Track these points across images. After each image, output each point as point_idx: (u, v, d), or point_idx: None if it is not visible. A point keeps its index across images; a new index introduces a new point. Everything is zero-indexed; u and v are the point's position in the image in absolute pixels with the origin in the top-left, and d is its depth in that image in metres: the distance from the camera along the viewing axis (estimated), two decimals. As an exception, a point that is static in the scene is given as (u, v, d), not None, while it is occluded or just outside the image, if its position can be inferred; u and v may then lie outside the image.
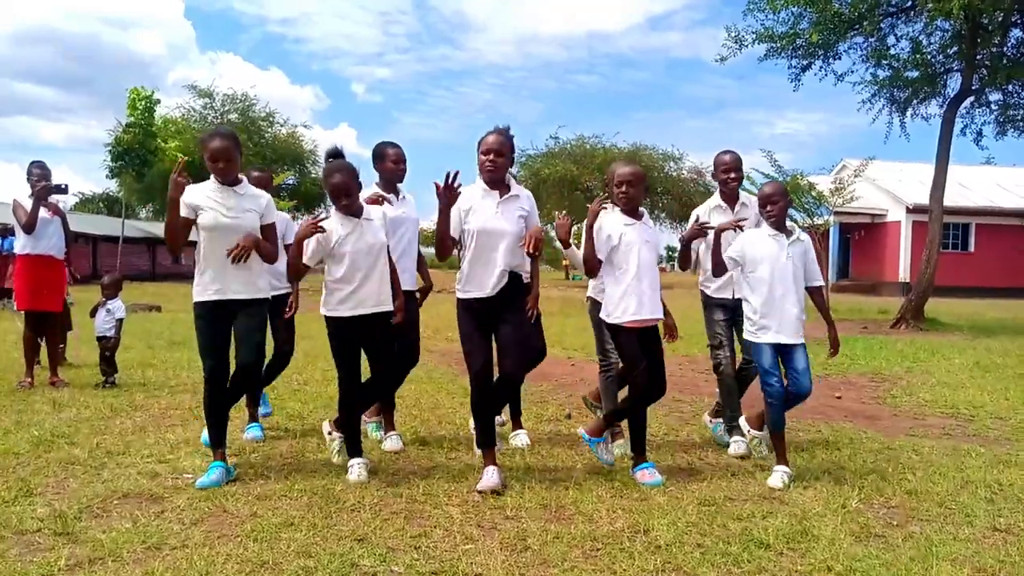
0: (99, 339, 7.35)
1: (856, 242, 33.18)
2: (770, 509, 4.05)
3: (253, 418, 5.56)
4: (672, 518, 3.84)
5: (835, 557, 3.39)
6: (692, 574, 3.23)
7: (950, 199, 17.11)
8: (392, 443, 5.18)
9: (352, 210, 4.51)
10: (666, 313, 4.82)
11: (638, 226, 4.64)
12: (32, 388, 6.97)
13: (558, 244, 4.87)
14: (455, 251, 4.67)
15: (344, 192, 4.46)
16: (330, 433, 4.83)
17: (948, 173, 16.03)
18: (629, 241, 4.58)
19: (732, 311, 5.30)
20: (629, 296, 4.56)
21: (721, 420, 5.57)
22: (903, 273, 29.73)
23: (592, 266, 4.64)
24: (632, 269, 4.56)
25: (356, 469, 4.46)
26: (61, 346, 7.93)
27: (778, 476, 4.52)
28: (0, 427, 5.47)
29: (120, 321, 7.43)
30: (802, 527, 3.75)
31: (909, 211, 29.47)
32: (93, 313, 7.44)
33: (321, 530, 3.61)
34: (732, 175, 5.39)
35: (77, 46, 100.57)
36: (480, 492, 4.19)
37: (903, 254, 30.11)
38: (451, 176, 4.32)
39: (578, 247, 4.88)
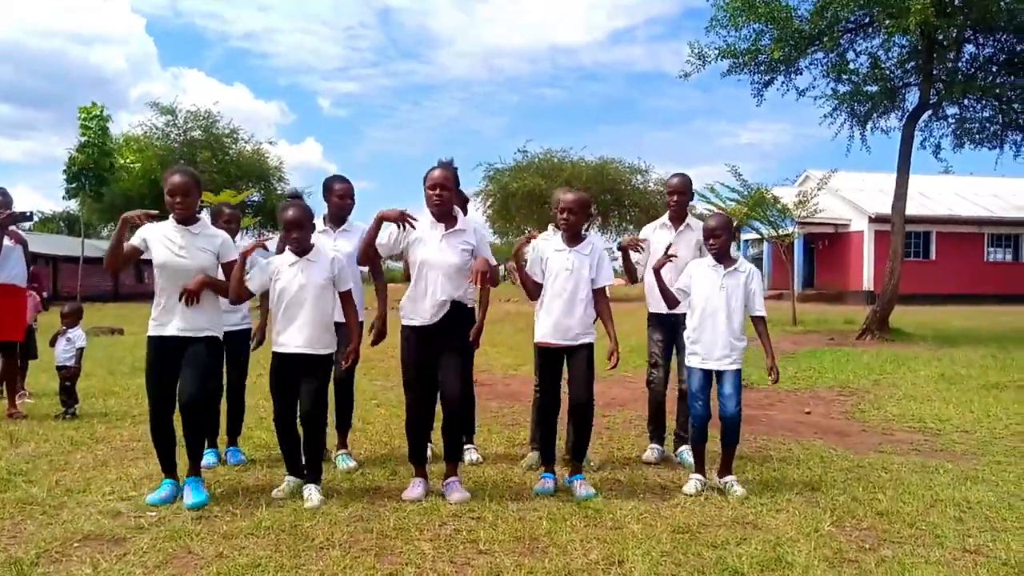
0: (59, 368, 7.16)
1: (820, 252, 33.63)
2: (744, 535, 4.04)
3: (232, 442, 5.58)
4: (646, 548, 3.81)
5: (810, 586, 3.38)
6: (668, 608, 3.20)
7: (911, 208, 17.36)
8: (344, 463, 5.32)
9: (302, 247, 4.64)
10: (611, 338, 4.91)
11: (567, 253, 4.84)
12: (-11, 421, 6.76)
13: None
14: (380, 263, 5.18)
15: (296, 226, 4.61)
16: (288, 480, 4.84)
17: (909, 183, 16.32)
18: (552, 266, 4.84)
19: (671, 329, 5.54)
20: (542, 318, 4.86)
21: (684, 448, 5.63)
22: (867, 282, 30.18)
23: (530, 290, 4.94)
24: (548, 293, 4.84)
25: (283, 486, 4.67)
26: (20, 390, 7.70)
27: (692, 484, 4.84)
28: (-46, 465, 5.29)
29: (81, 350, 7.25)
30: (776, 553, 3.75)
31: (871, 220, 29.95)
32: (53, 342, 7.26)
33: (289, 571, 3.52)
34: (674, 197, 5.71)
35: (36, 62, 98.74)
36: (404, 499, 4.55)
37: (867, 263, 30.59)
38: (411, 218, 4.66)
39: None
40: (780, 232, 20.49)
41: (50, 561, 3.64)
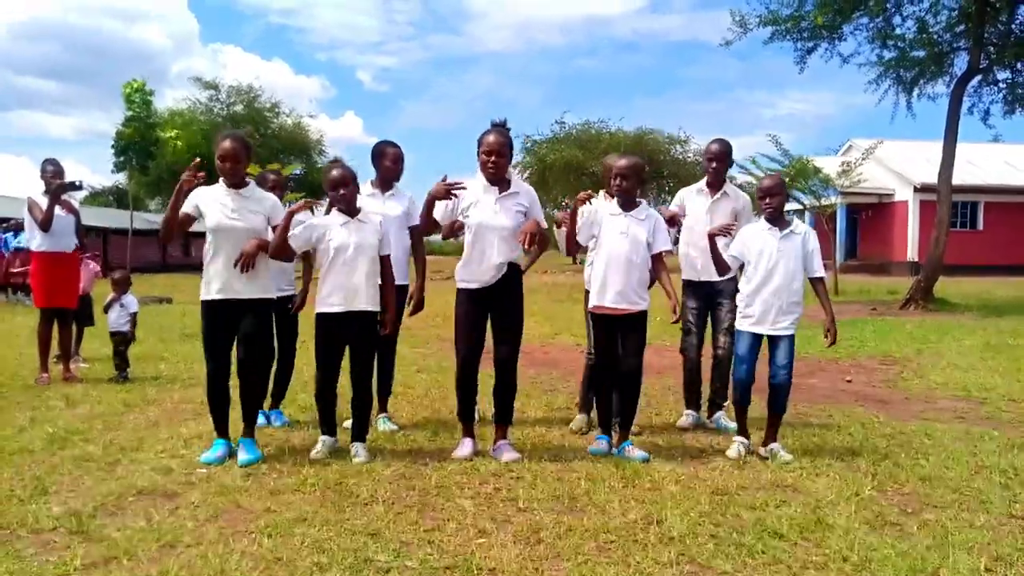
0: (113, 334, 7.37)
1: (864, 222, 33.00)
2: (783, 498, 4.04)
3: (275, 405, 5.67)
4: (685, 508, 3.84)
5: (850, 546, 3.38)
6: (706, 565, 3.23)
7: (958, 177, 16.95)
8: (384, 425, 5.45)
9: (350, 204, 4.69)
10: (671, 295, 4.86)
11: (622, 217, 4.79)
12: (49, 384, 7.00)
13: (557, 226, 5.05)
14: (440, 235, 5.13)
15: (343, 183, 4.64)
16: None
17: (956, 151, 15.92)
18: (606, 231, 4.80)
19: (706, 297, 5.59)
20: (599, 285, 4.81)
21: (720, 413, 5.69)
22: (911, 253, 29.58)
23: (570, 246, 4.96)
24: (602, 259, 4.80)
25: (319, 446, 4.75)
26: (75, 355, 7.97)
27: (735, 448, 4.84)
28: (15, 424, 5.50)
29: (134, 315, 7.46)
30: (816, 516, 3.75)
31: (917, 190, 29.26)
32: (107, 309, 7.46)
33: (334, 525, 3.62)
34: (713, 164, 5.65)
35: (80, 39, 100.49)
36: (455, 458, 4.64)
37: (911, 234, 29.93)
38: (457, 184, 4.70)
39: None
40: (822, 202, 20.15)
41: (107, 514, 3.79)
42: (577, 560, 3.26)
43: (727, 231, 5.03)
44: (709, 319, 5.71)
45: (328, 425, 4.83)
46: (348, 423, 5.19)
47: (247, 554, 3.30)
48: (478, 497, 4.03)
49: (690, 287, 5.67)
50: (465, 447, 4.77)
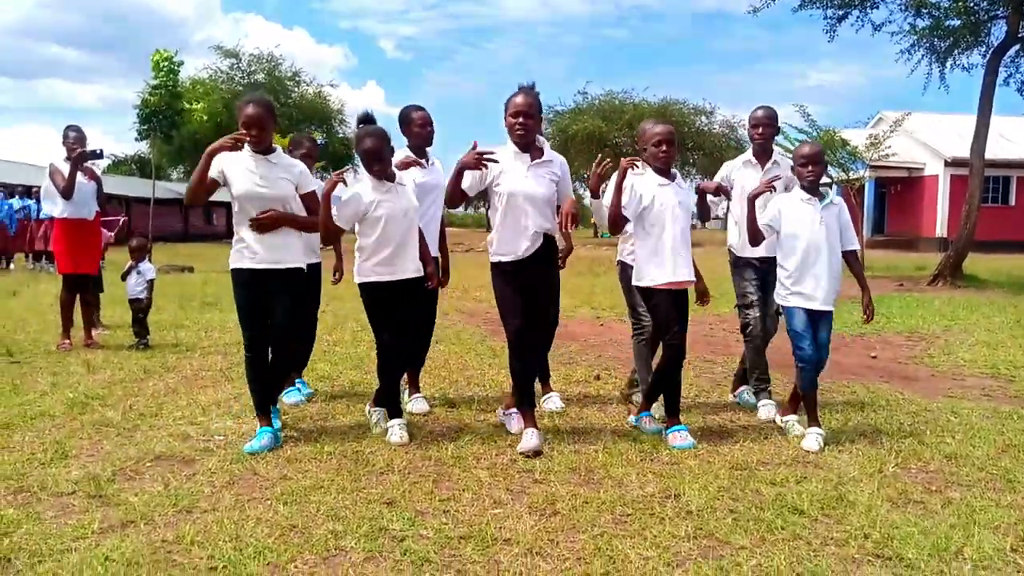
0: (131, 301, 7.42)
1: (892, 197, 32.45)
2: (804, 473, 3.98)
3: (290, 382, 5.48)
4: (703, 483, 3.79)
5: (872, 524, 3.32)
6: (724, 541, 3.18)
7: (990, 151, 16.46)
8: (417, 405, 5.17)
9: (385, 174, 4.50)
10: (698, 277, 4.74)
11: (672, 187, 4.56)
12: (71, 349, 7.06)
13: (587, 197, 4.75)
14: (465, 207, 4.77)
15: (377, 157, 4.45)
16: (370, 411, 4.78)
17: (990, 124, 15.53)
18: (663, 203, 4.50)
19: (762, 270, 5.19)
20: (662, 259, 4.49)
21: (744, 388, 5.53)
22: (940, 228, 29.07)
23: (616, 223, 4.55)
24: (667, 231, 4.49)
25: (396, 430, 4.47)
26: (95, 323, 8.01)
27: (812, 438, 4.45)
28: (36, 389, 5.56)
29: (151, 282, 7.49)
30: (837, 492, 3.68)
31: (947, 164, 28.69)
32: (124, 276, 7.50)
33: (350, 493, 3.61)
34: (759, 130, 5.27)
35: (103, 8, 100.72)
36: (522, 453, 4.20)
37: (941, 209, 29.39)
38: (488, 154, 4.35)
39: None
40: (851, 176, 19.80)
41: (125, 478, 3.81)
42: (593, 532, 3.22)
43: (770, 187, 4.72)
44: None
45: (396, 404, 4.63)
46: (412, 406, 5.13)
47: (263, 520, 3.30)
48: (494, 468, 4.01)
49: (742, 262, 5.30)
50: (532, 439, 4.29)
